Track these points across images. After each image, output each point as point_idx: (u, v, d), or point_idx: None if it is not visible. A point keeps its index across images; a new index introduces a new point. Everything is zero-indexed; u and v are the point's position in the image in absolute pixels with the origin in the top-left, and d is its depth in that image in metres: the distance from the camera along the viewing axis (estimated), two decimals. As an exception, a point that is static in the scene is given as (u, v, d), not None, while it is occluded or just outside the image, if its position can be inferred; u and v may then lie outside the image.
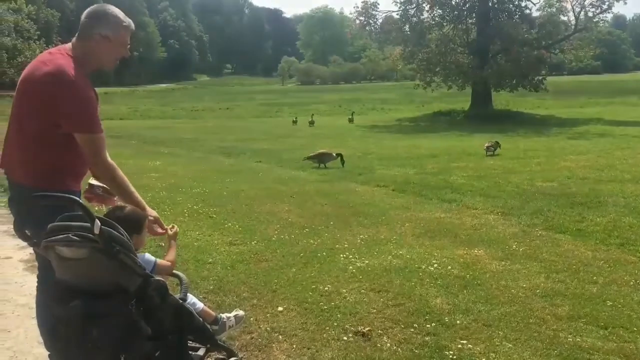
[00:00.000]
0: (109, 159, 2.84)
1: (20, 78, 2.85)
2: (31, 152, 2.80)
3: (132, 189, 2.91)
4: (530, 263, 5.06)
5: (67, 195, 2.37)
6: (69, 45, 2.87)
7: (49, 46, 46.27)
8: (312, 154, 11.61)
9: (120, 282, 2.28)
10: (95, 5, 2.93)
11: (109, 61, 2.96)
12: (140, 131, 20.62)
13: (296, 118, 25.14)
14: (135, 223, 2.67)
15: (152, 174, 10.18)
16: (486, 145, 13.14)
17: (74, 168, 2.91)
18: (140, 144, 16.53)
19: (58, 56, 2.78)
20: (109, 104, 41.01)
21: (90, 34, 2.82)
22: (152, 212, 2.93)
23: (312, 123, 23.55)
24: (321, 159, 11.39)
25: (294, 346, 3.51)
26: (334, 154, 11.27)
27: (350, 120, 24.91)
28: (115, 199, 3.25)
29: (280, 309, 4.06)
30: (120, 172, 2.89)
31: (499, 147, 13.15)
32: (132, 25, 2.95)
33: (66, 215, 2.35)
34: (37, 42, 47.20)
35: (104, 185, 3.22)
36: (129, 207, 2.74)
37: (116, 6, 2.95)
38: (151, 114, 32.76)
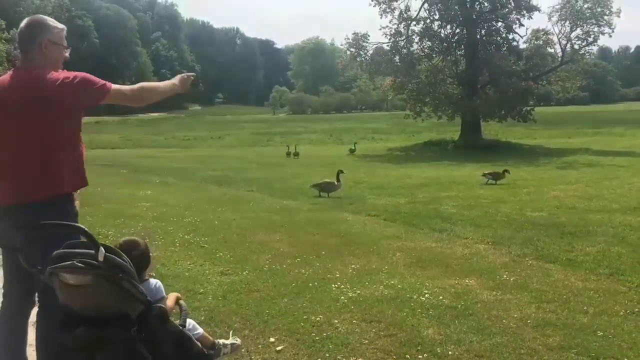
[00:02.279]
0: (131, 89, 3.11)
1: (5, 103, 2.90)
2: (45, 163, 2.87)
3: (162, 83, 3.32)
4: (521, 293, 5.08)
5: (74, 224, 2.39)
6: (17, 66, 3.10)
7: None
8: (318, 182, 11.66)
9: (123, 308, 2.30)
10: (26, 19, 3.08)
11: (60, 64, 3.10)
12: (132, 160, 20.62)
13: (290, 148, 23.40)
14: (147, 259, 2.76)
15: (143, 203, 10.16)
16: (484, 173, 13.33)
17: (79, 163, 3.04)
18: (131, 173, 16.51)
19: (24, 71, 2.96)
20: (100, 132, 41.02)
21: (38, 42, 2.98)
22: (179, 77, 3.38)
23: (296, 155, 22.45)
24: (325, 188, 11.40)
25: (286, 378, 3.49)
26: (336, 182, 11.32)
27: (352, 151, 24.55)
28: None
29: (272, 340, 4.04)
30: (146, 84, 3.24)
31: (504, 176, 13.22)
32: (64, 27, 3.15)
33: (71, 243, 2.38)
34: None
35: None
36: (142, 244, 2.76)
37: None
38: (143, 143, 32.80)
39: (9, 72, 3.07)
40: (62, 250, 2.35)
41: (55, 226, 2.60)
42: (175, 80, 3.37)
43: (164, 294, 2.75)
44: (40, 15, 3.15)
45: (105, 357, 2.24)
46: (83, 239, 2.31)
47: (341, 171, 11.56)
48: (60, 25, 3.11)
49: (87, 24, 76.86)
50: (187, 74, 3.47)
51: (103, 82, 2.98)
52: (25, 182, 2.90)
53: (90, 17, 78.61)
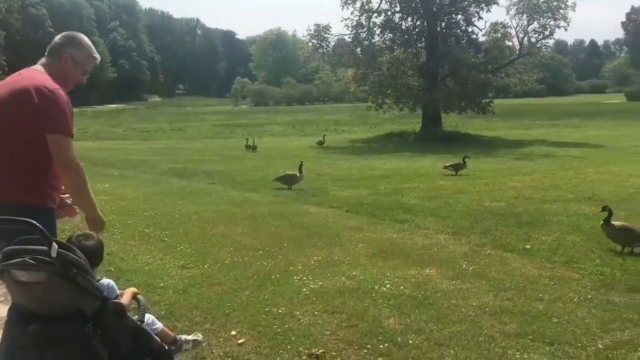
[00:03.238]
0: (75, 158, 2.94)
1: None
2: (19, 167, 2.88)
3: (90, 189, 3.01)
4: (479, 282, 5.18)
5: (24, 219, 2.32)
6: (38, 65, 3.07)
7: (-7, 64, 44.85)
8: (281, 174, 11.62)
9: (78, 305, 2.24)
10: (71, 31, 3.20)
11: (70, 83, 3.14)
12: (89, 152, 20.13)
13: (250, 141, 21.71)
14: (102, 249, 2.71)
15: (102, 197, 9.93)
16: (445, 165, 13.52)
17: (54, 180, 3.01)
18: (88, 166, 16.10)
19: (33, 72, 2.99)
20: (56, 124, 39.99)
21: (61, 52, 3.07)
22: (100, 215, 3.08)
23: (254, 148, 20.91)
24: (287, 180, 11.36)
25: (248, 371, 3.48)
26: (298, 174, 11.28)
27: (321, 143, 24.04)
28: (77, 210, 3.29)
29: (233, 333, 4.02)
30: (82, 171, 2.97)
31: (465, 166, 13.43)
32: (99, 59, 3.24)
33: (22, 239, 2.31)
34: (-19, 61, 45.66)
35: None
36: (95, 234, 2.71)
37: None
38: (100, 135, 32.05)
39: (18, 72, 3.09)
40: (13, 247, 2.28)
41: (3, 221, 2.51)
42: (96, 210, 3.05)
43: (118, 292, 2.69)
44: (81, 35, 3.21)
45: (59, 355, 2.18)
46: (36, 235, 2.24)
47: (301, 164, 11.50)
48: (95, 54, 3.20)
49: (41, 12, 74.53)
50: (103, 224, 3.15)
51: (66, 123, 2.90)
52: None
53: (45, 6, 76.22)
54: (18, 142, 2.88)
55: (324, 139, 24.78)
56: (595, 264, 5.66)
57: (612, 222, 6.33)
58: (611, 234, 6.30)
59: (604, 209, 6.55)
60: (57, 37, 3.14)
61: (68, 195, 3.18)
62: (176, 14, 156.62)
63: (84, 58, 3.14)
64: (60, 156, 2.88)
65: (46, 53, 3.12)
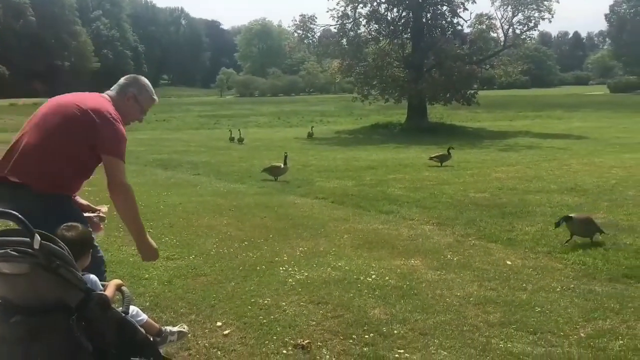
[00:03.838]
0: (128, 182, 3.24)
1: (57, 102, 3.29)
2: (53, 165, 3.11)
3: (139, 216, 3.33)
4: (464, 272, 5.22)
5: (6, 210, 2.29)
6: (105, 94, 3.41)
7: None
8: (265, 167, 11.51)
9: (61, 297, 2.23)
10: (135, 75, 3.60)
11: (129, 119, 3.46)
12: (72, 143, 19.93)
13: (233, 132, 21.33)
14: (90, 241, 2.73)
15: (85, 188, 9.83)
16: (431, 157, 13.56)
17: (77, 185, 3.34)
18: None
19: (101, 99, 3.33)
20: (38, 115, 39.49)
21: (126, 91, 3.42)
22: (153, 244, 3.42)
23: (241, 140, 20.39)
24: (272, 171, 11.30)
25: (233, 361, 3.48)
26: (282, 166, 11.20)
27: (310, 135, 23.63)
28: (102, 226, 3.58)
29: (219, 324, 4.02)
30: (134, 197, 3.28)
31: (450, 157, 13.46)
32: (157, 101, 3.61)
33: (4, 231, 2.28)
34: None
35: (98, 214, 3.55)
36: (81, 227, 2.69)
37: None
38: (84, 125, 31.71)
39: (87, 92, 3.40)
40: None
41: None
42: (148, 237, 3.39)
43: (101, 287, 2.67)
44: (144, 78, 3.57)
45: (42, 347, 2.17)
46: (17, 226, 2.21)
47: (285, 156, 11.41)
48: (154, 96, 3.55)
49: (23, 1, 73.35)
50: (157, 255, 3.49)
51: (120, 147, 3.21)
52: (30, 172, 3.08)
53: (26, -6, 75.08)
54: (61, 148, 3.13)
55: (312, 130, 24.47)
56: (578, 254, 5.73)
57: (571, 215, 6.18)
58: (576, 228, 6.12)
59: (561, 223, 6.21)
60: (123, 78, 3.51)
61: (95, 214, 3.49)
62: (160, 3, 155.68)
63: (144, 99, 3.49)
64: (115, 178, 3.17)
65: (112, 88, 3.46)
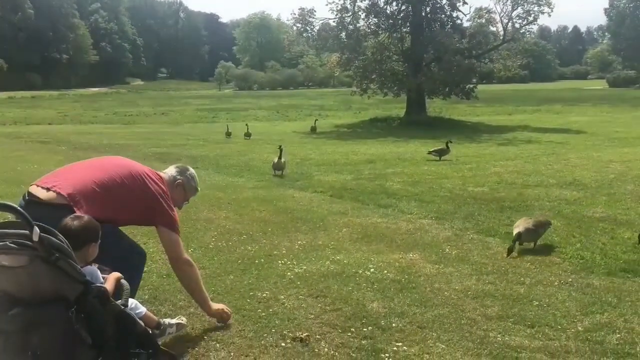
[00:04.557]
0: (186, 255, 3.70)
1: (125, 162, 3.74)
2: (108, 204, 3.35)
3: (204, 292, 3.78)
4: (462, 266, 5.23)
5: (4, 203, 2.29)
6: (163, 173, 3.82)
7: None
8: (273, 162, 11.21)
9: (60, 289, 2.23)
10: (186, 166, 4.04)
11: (174, 203, 3.73)
12: (71, 137, 19.90)
13: (247, 128, 20.16)
14: (94, 231, 2.72)
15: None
16: (430, 151, 13.55)
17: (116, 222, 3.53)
18: (70, 150, 15.94)
19: (161, 182, 3.69)
20: (36, 107, 39.39)
21: (177, 178, 3.82)
22: (218, 306, 3.85)
23: (248, 135, 19.63)
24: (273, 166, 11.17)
25: (232, 354, 3.49)
26: (276, 160, 11.00)
27: (314, 129, 23.04)
28: None
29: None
30: (196, 269, 3.75)
31: (449, 150, 13.45)
32: (199, 191, 4.04)
33: (3, 223, 2.28)
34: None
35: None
36: (86, 217, 2.70)
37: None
38: (82, 118, 31.62)
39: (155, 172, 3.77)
40: None
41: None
42: (214, 304, 3.84)
43: (101, 279, 2.68)
44: (193, 170, 4.01)
45: (41, 340, 2.17)
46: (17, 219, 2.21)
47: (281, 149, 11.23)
48: (198, 187, 3.98)
49: (21, -7, 73.08)
50: (228, 313, 3.88)
51: (177, 226, 3.66)
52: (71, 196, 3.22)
53: (24, -13, 74.72)
54: (122, 196, 3.45)
55: (315, 124, 23.94)
56: (576, 248, 5.74)
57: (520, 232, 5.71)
58: (531, 235, 5.78)
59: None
60: (178, 170, 3.91)
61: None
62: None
63: (190, 189, 3.89)
64: (175, 253, 3.62)
65: (165, 172, 3.87)
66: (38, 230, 2.12)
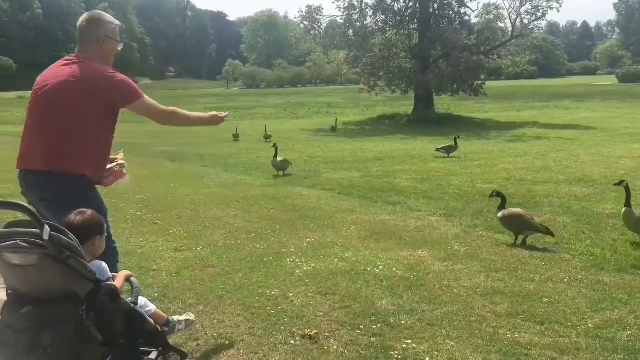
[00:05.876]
0: (165, 108, 3.51)
1: (49, 83, 3.29)
2: (69, 142, 3.23)
3: (194, 114, 3.75)
4: (471, 263, 5.22)
5: (16, 202, 2.31)
6: (81, 55, 3.40)
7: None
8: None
9: (71, 287, 2.25)
10: (89, 14, 3.52)
11: (112, 58, 3.52)
12: (80, 136, 19.98)
13: (265, 131, 19.03)
14: (98, 225, 2.73)
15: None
16: (438, 148, 13.51)
17: (101, 158, 3.46)
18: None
19: (87, 62, 3.34)
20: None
21: (97, 37, 3.42)
22: (210, 113, 3.82)
23: (268, 137, 18.16)
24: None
25: (241, 352, 3.50)
26: (272, 159, 10.83)
27: (334, 129, 22.50)
28: (124, 171, 3.76)
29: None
30: (179, 110, 3.63)
31: (457, 147, 13.38)
32: (120, 24, 3.63)
33: (14, 222, 2.30)
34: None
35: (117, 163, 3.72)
36: (89, 211, 2.73)
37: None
38: (91, 118, 31.82)
39: (64, 59, 3.41)
40: (5, 230, 2.27)
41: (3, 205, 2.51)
42: (207, 115, 3.80)
43: (110, 274, 2.69)
44: (99, 12, 3.58)
45: (52, 337, 2.19)
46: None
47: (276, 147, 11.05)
48: (116, 22, 3.55)
49: (29, -7, 73.50)
50: (222, 114, 3.86)
51: (139, 90, 3.38)
52: (44, 153, 3.23)
53: (32, -14, 75.13)
54: (76, 117, 3.25)
55: (336, 123, 23.18)
56: (586, 245, 5.71)
57: (505, 209, 5.98)
58: (504, 222, 5.94)
59: (495, 194, 6.17)
60: (80, 27, 3.45)
61: (114, 164, 3.66)
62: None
63: (113, 32, 3.50)
64: (157, 117, 3.48)
65: (79, 44, 3.46)
66: (49, 229, 2.14)
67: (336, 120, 24.35)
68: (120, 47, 3.54)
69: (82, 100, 3.25)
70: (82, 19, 3.48)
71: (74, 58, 3.39)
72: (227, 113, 3.92)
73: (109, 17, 3.52)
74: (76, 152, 3.26)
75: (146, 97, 3.41)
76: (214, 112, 3.82)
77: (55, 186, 3.20)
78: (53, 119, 3.26)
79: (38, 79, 3.42)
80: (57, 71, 3.34)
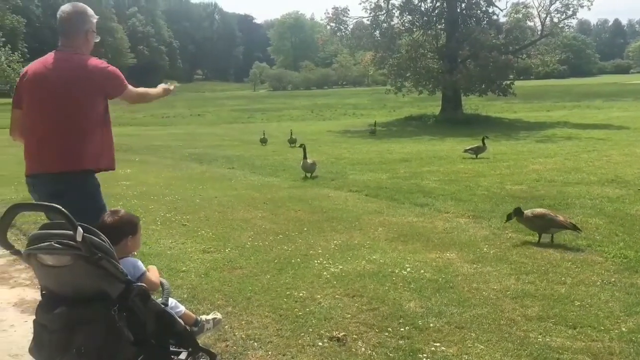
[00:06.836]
0: (135, 92, 3.60)
1: (52, 81, 3.33)
2: (87, 142, 3.35)
3: (152, 90, 3.84)
4: (500, 265, 5.15)
5: (50, 204, 2.36)
6: (68, 51, 3.44)
7: (15, 53, 45.20)
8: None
9: (103, 288, 2.29)
10: (72, 5, 3.52)
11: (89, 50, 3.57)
12: (110, 139, 20.31)
13: (290, 134, 17.52)
14: (130, 225, 2.79)
15: (123, 182, 10.06)
16: (466, 149, 13.37)
17: (112, 146, 3.62)
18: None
19: (85, 57, 3.42)
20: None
21: (84, 31, 3.47)
22: (162, 86, 3.91)
23: (293, 142, 16.61)
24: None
25: (269, 353, 3.52)
26: (302, 161, 10.79)
27: (373, 132, 21.58)
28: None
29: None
30: (144, 89, 3.77)
31: (485, 148, 13.24)
32: (97, 17, 3.66)
33: (48, 224, 2.36)
34: (3, 49, 46.00)
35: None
36: (122, 211, 2.78)
37: None
38: (121, 120, 32.27)
39: (51, 54, 3.46)
40: (39, 231, 2.33)
41: (32, 207, 2.58)
42: (160, 90, 3.88)
43: (144, 269, 2.75)
44: (82, 4, 3.55)
45: (85, 337, 2.24)
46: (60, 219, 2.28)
47: (301, 145, 11.08)
48: (96, 15, 3.62)
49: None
50: (169, 86, 3.99)
51: (125, 81, 3.50)
52: (61, 156, 3.30)
53: (64, -7, 76.76)
54: (91, 117, 3.39)
55: (375, 126, 22.43)
56: (619, 247, 5.59)
57: (526, 211, 6.00)
58: (529, 223, 5.95)
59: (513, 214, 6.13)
60: (65, 19, 3.47)
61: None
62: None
63: (95, 25, 3.57)
64: (133, 98, 3.61)
65: (63, 36, 3.48)
66: (82, 231, 2.18)
67: (375, 122, 23.80)
68: (97, 39, 3.62)
69: (93, 99, 3.38)
70: (66, 9, 3.48)
71: (70, 52, 3.44)
72: (174, 86, 4.06)
73: (90, 10, 3.59)
74: (94, 150, 3.41)
75: (130, 87, 3.57)
76: (163, 85, 3.97)
77: (70, 186, 3.28)
78: (67, 120, 3.33)
79: (30, 72, 3.44)
80: (58, 67, 3.37)
